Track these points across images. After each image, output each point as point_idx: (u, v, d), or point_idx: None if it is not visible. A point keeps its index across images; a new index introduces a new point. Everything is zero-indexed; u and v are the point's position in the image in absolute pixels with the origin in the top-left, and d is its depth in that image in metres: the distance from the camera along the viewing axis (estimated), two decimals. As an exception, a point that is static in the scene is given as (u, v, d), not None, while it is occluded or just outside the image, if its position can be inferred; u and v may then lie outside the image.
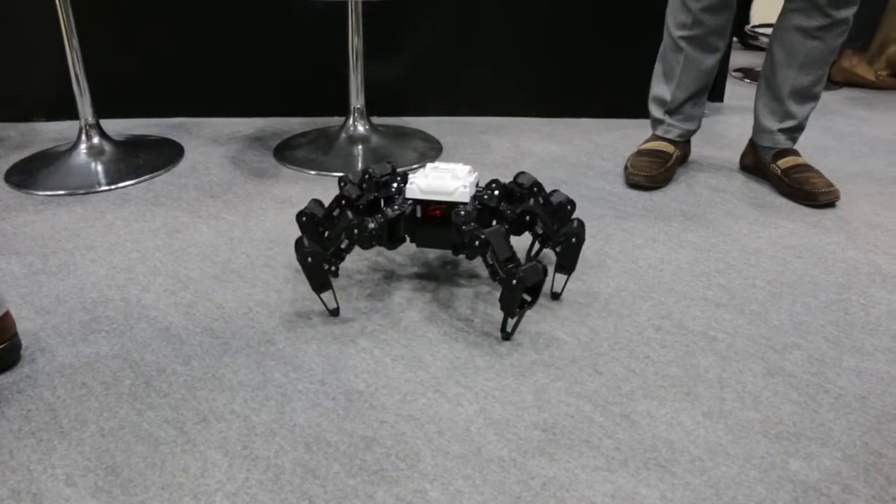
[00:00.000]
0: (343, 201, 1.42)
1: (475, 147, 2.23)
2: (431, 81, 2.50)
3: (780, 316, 1.35)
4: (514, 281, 1.20)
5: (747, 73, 3.19)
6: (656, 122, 2.03)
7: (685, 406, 1.11)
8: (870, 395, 1.14)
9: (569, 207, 1.45)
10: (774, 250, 1.59)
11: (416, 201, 1.41)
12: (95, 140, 2.09)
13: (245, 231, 1.67)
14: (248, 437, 1.04)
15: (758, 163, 1.96)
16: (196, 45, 2.43)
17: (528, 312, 1.34)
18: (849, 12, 1.72)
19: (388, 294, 1.41)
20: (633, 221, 1.72)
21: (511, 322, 1.28)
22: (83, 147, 2.07)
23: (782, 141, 1.90)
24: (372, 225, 1.33)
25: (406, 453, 1.02)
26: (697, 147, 2.21)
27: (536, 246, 1.55)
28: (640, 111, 2.42)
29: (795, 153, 1.90)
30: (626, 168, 1.97)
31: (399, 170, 1.53)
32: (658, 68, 1.99)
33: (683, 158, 2.06)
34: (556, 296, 1.40)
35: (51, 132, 2.37)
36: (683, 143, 2.03)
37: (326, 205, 1.48)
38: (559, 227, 1.41)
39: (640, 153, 1.98)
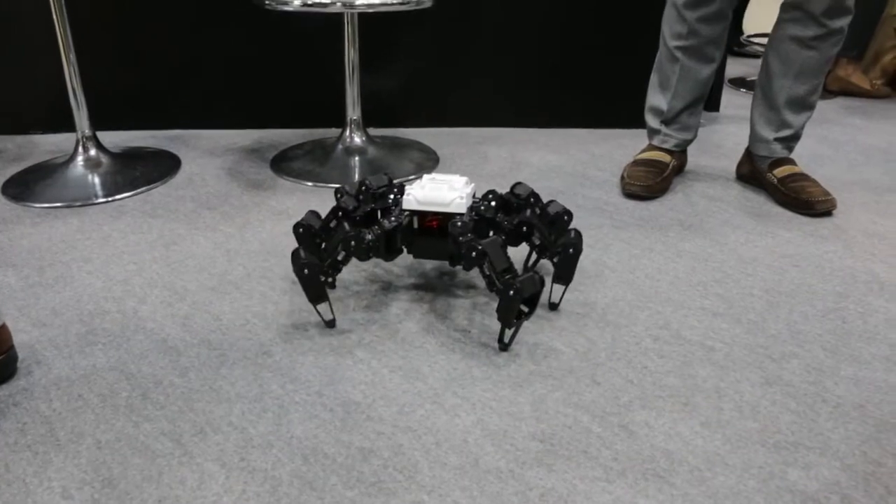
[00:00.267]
0: (340, 213, 1.42)
1: (472, 158, 2.23)
2: (428, 93, 2.50)
3: (778, 325, 1.35)
4: (511, 292, 1.19)
5: (741, 83, 3.20)
6: (653, 132, 2.03)
7: (683, 416, 1.11)
8: (868, 404, 1.13)
9: (566, 218, 1.45)
10: (771, 259, 1.59)
11: (413, 212, 1.41)
12: (92, 152, 2.09)
13: (242, 243, 1.66)
14: (246, 449, 1.04)
15: (754, 172, 1.97)
16: (193, 57, 2.43)
17: (525, 323, 1.34)
18: (843, 22, 1.72)
19: (386, 305, 1.41)
20: (629, 231, 1.73)
21: (508, 333, 1.27)
22: (80, 159, 2.07)
23: (778, 150, 1.91)
24: (369, 237, 1.33)
25: (404, 465, 1.01)
26: (694, 157, 2.22)
27: (534, 256, 1.55)
28: (636, 121, 2.43)
29: (792, 162, 1.91)
30: (622, 178, 1.97)
31: (396, 181, 1.53)
32: (654, 78, 1.99)
33: (680, 168, 2.06)
34: (553, 306, 1.40)
35: (48, 144, 2.37)
36: (680, 153, 2.04)
37: (323, 216, 1.48)
38: (556, 237, 1.41)
39: (636, 163, 1.98)
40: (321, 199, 1.92)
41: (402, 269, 1.55)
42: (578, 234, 1.37)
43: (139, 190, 1.97)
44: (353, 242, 1.32)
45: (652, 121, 2.02)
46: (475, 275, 1.53)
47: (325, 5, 1.83)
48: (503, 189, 1.97)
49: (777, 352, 1.27)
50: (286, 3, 1.84)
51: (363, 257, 1.34)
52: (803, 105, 1.85)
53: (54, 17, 1.95)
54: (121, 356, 1.25)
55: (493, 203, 1.44)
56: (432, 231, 1.41)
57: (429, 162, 2.19)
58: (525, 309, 1.25)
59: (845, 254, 1.62)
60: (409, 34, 2.43)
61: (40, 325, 1.35)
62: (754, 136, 1.94)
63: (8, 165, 2.17)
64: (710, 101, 2.72)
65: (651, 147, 2.03)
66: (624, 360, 1.24)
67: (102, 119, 2.43)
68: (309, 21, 2.39)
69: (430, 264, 1.57)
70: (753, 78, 3.23)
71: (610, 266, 1.56)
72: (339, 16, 2.28)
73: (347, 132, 2.23)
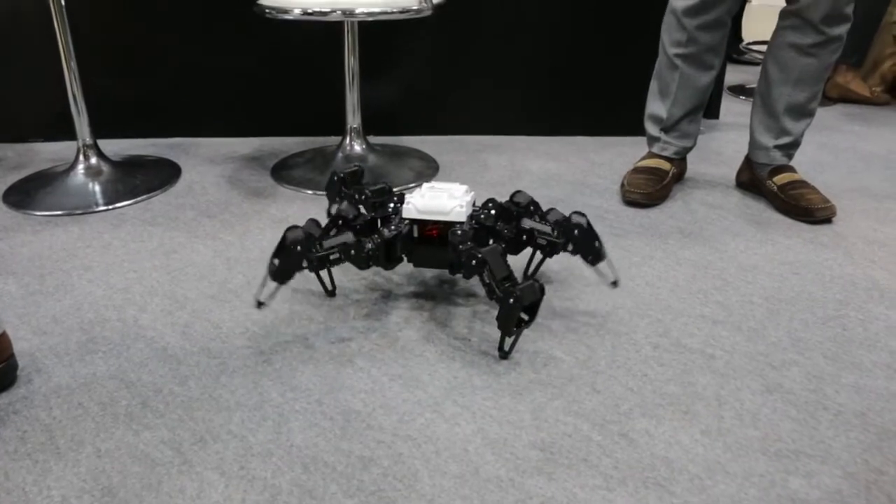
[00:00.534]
0: (340, 221, 1.42)
1: (472, 166, 2.24)
2: (428, 101, 2.51)
3: (778, 332, 1.35)
4: (511, 300, 1.19)
5: (740, 91, 3.21)
6: (652, 140, 2.04)
7: (683, 424, 1.11)
8: (869, 412, 1.13)
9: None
10: (771, 267, 1.59)
11: (413, 221, 1.41)
12: (93, 160, 2.09)
13: (242, 251, 1.67)
14: (245, 457, 1.04)
15: (754, 179, 1.97)
16: (193, 65, 2.44)
17: (525, 331, 1.34)
18: (842, 29, 1.73)
19: (386, 313, 1.41)
20: (629, 239, 1.73)
21: (508, 341, 1.27)
22: (81, 167, 2.07)
23: (778, 157, 1.91)
24: (369, 245, 1.33)
25: (404, 473, 1.01)
26: (693, 164, 2.22)
27: (534, 264, 1.55)
28: (636, 129, 2.44)
29: (791, 169, 1.91)
30: (622, 186, 1.97)
31: (395, 189, 1.53)
32: (654, 86, 1.99)
33: (680, 176, 2.06)
34: (615, 284, 1.49)
35: (48, 152, 2.37)
36: (679, 161, 2.04)
37: (323, 225, 1.48)
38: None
39: (636, 171, 1.98)
40: (321, 207, 1.92)
41: (403, 277, 1.55)
42: (580, 213, 1.38)
43: (139, 198, 1.97)
44: (352, 251, 1.32)
45: (651, 128, 2.03)
46: (475, 283, 1.53)
47: (325, 14, 1.83)
48: (503, 197, 1.97)
49: (777, 359, 1.26)
50: (287, 12, 1.85)
51: (363, 266, 1.34)
52: (803, 112, 1.86)
53: (55, 25, 1.96)
54: (121, 364, 1.25)
55: (492, 211, 1.45)
56: (432, 240, 1.41)
57: (428, 170, 2.19)
58: (525, 317, 1.25)
59: (845, 261, 1.62)
60: (408, 43, 2.43)
61: (41, 333, 1.35)
62: (754, 144, 1.94)
63: (9, 173, 2.17)
64: (710, 109, 2.72)
65: (651, 155, 2.04)
66: (624, 369, 1.24)
67: (103, 127, 2.43)
68: (309, 29, 2.40)
69: (430, 272, 1.57)
70: (752, 85, 3.24)
71: (610, 274, 1.56)
72: (339, 24, 2.28)
73: (347, 140, 2.23)
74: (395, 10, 1.84)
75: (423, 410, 1.13)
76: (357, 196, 1.52)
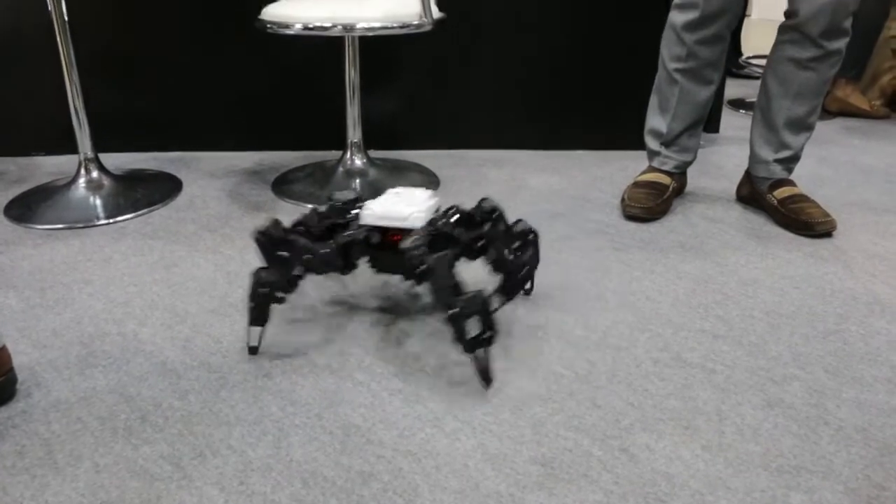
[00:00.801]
0: (300, 227, 1.41)
1: (473, 180, 2.24)
2: (428, 115, 2.51)
3: (779, 347, 1.34)
4: (453, 312, 1.16)
5: (740, 105, 3.22)
6: (652, 154, 2.04)
7: (684, 439, 1.10)
8: (871, 427, 1.13)
9: (531, 237, 1.43)
10: (772, 281, 1.59)
11: (372, 227, 1.40)
12: (94, 174, 2.10)
13: (242, 265, 1.67)
14: (245, 472, 1.04)
15: (754, 193, 1.97)
16: (194, 80, 2.45)
17: (522, 347, 1.33)
18: (841, 43, 1.73)
19: (386, 327, 1.41)
20: (630, 253, 1.73)
21: (481, 365, 1.24)
22: (82, 181, 2.08)
23: (778, 171, 1.91)
24: (324, 251, 1.32)
25: (404, 489, 1.01)
26: (694, 178, 2.22)
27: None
28: (636, 143, 2.44)
29: (791, 183, 1.91)
30: (622, 200, 1.97)
31: (364, 197, 1.52)
32: (653, 101, 2.00)
33: (680, 190, 2.07)
34: (528, 292, 1.46)
35: (50, 166, 2.38)
36: (680, 175, 2.04)
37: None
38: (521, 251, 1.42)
39: (636, 185, 1.98)
40: (322, 221, 1.92)
41: (402, 291, 1.55)
42: (535, 255, 1.35)
43: (140, 212, 1.98)
44: (307, 256, 1.32)
45: (652, 143, 2.03)
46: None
47: (325, 29, 1.84)
48: (506, 211, 1.97)
49: (778, 374, 1.26)
50: (288, 27, 1.86)
51: (320, 271, 1.33)
52: (802, 126, 1.86)
53: (58, 40, 1.97)
54: (120, 379, 1.25)
55: (453, 218, 1.42)
56: (393, 246, 1.39)
57: (429, 184, 2.19)
58: (486, 333, 1.19)
59: (846, 275, 1.62)
60: (409, 57, 2.44)
61: (40, 346, 1.35)
62: (754, 158, 1.95)
63: (10, 187, 2.18)
64: (710, 123, 2.73)
65: (651, 169, 2.04)
66: (624, 383, 1.24)
67: (104, 141, 2.44)
68: (310, 43, 2.41)
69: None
70: (752, 99, 3.25)
71: (610, 288, 1.56)
72: (340, 39, 2.29)
73: (348, 154, 2.24)
74: (395, 24, 1.85)
75: (424, 425, 1.13)
76: (328, 202, 1.49)
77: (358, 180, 2.18)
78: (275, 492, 1.00)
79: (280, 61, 2.43)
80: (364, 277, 1.61)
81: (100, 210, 1.97)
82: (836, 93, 3.02)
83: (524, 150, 2.54)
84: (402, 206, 1.37)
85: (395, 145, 2.55)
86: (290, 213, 1.97)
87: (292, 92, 2.48)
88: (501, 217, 1.44)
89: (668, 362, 1.30)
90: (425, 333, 1.38)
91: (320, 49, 2.42)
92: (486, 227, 1.39)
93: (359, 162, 2.23)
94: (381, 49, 2.43)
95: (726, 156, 2.48)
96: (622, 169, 2.34)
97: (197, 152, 2.53)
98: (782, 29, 1.79)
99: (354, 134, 2.21)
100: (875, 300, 1.51)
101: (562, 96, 2.49)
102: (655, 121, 2.00)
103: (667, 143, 2.00)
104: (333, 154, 2.44)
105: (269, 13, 1.91)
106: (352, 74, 2.14)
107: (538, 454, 1.07)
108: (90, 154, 2.09)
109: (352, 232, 1.37)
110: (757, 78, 3.78)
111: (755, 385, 1.23)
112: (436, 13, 1.94)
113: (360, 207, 1.47)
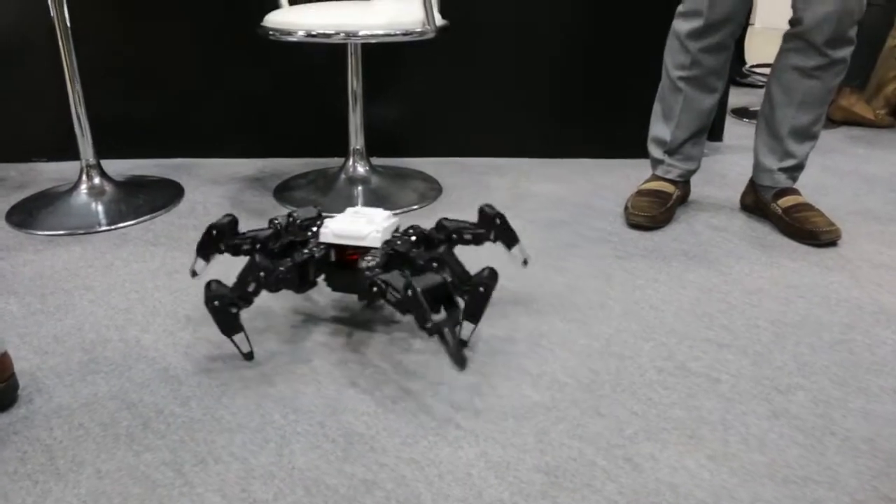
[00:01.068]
0: (257, 245, 1.39)
1: (475, 188, 2.24)
2: (431, 123, 2.51)
3: (784, 357, 1.34)
4: (409, 291, 1.13)
5: (744, 113, 3.21)
6: (656, 163, 2.04)
7: (689, 449, 1.10)
8: (878, 438, 1.12)
9: (498, 221, 1.42)
10: (777, 290, 1.58)
11: (330, 246, 1.39)
12: (96, 180, 2.09)
13: (245, 271, 1.66)
14: (247, 479, 1.03)
15: (758, 202, 1.97)
16: (197, 87, 2.45)
17: (526, 353, 1.33)
18: (846, 52, 1.73)
19: (388, 335, 1.40)
20: (634, 262, 1.72)
21: (454, 345, 1.17)
22: (84, 187, 2.08)
23: (782, 180, 1.91)
24: (281, 269, 1.31)
25: (406, 497, 1.00)
26: (697, 187, 2.22)
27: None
28: (639, 151, 2.44)
29: (796, 192, 1.90)
30: (626, 208, 1.97)
31: (325, 214, 1.51)
32: (657, 109, 2.00)
33: (684, 198, 2.06)
34: (463, 343, 1.35)
35: (52, 172, 2.38)
36: (683, 183, 2.04)
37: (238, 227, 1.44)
38: (501, 240, 1.42)
39: (640, 193, 1.98)
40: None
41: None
42: (493, 274, 1.31)
43: (142, 218, 1.97)
44: (262, 274, 1.31)
45: (655, 151, 2.03)
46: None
47: (328, 36, 1.84)
48: (509, 219, 1.96)
49: (784, 384, 1.25)
50: (290, 34, 1.86)
51: (273, 289, 1.32)
52: (806, 135, 1.86)
53: (60, 46, 1.97)
54: (122, 385, 1.24)
55: (411, 238, 1.42)
56: (350, 265, 1.38)
57: (432, 192, 2.19)
58: (445, 314, 1.16)
59: (851, 284, 1.61)
60: (412, 64, 2.44)
61: (42, 353, 1.34)
62: (758, 166, 1.94)
63: (12, 193, 2.18)
64: (713, 131, 2.72)
65: (654, 177, 2.04)
66: (628, 392, 1.23)
67: (106, 147, 2.43)
68: (313, 51, 2.41)
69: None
70: (756, 108, 3.25)
71: (614, 297, 1.55)
72: (343, 46, 2.29)
73: (350, 161, 2.23)
74: (398, 32, 1.85)
75: (426, 433, 1.12)
76: (288, 219, 1.48)
77: (360, 188, 2.18)
78: (277, 499, 0.99)
79: (282, 68, 2.43)
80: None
81: (101, 216, 1.96)
82: (841, 102, 3.02)
83: (527, 157, 2.54)
84: (360, 225, 1.37)
85: (398, 152, 2.54)
86: (292, 219, 1.97)
87: (295, 99, 2.48)
88: (461, 236, 1.43)
89: (672, 371, 1.29)
90: (428, 342, 1.38)
91: (323, 56, 2.42)
92: (442, 248, 1.38)
93: (361, 169, 2.23)
94: (384, 56, 2.43)
95: (730, 164, 2.47)
96: (625, 177, 2.34)
97: (199, 159, 2.53)
98: (787, 37, 1.79)
99: (357, 141, 2.21)
100: (881, 310, 1.50)
101: (565, 104, 2.49)
102: (659, 129, 2.00)
103: (670, 152, 1.99)
104: (336, 161, 2.44)
105: (272, 20, 1.91)
106: (354, 82, 2.14)
107: (542, 463, 1.06)
108: (92, 160, 2.09)
109: (308, 250, 1.37)
110: (760, 86, 3.78)
111: (760, 395, 1.22)
112: (439, 20, 1.93)
113: (318, 225, 1.46)
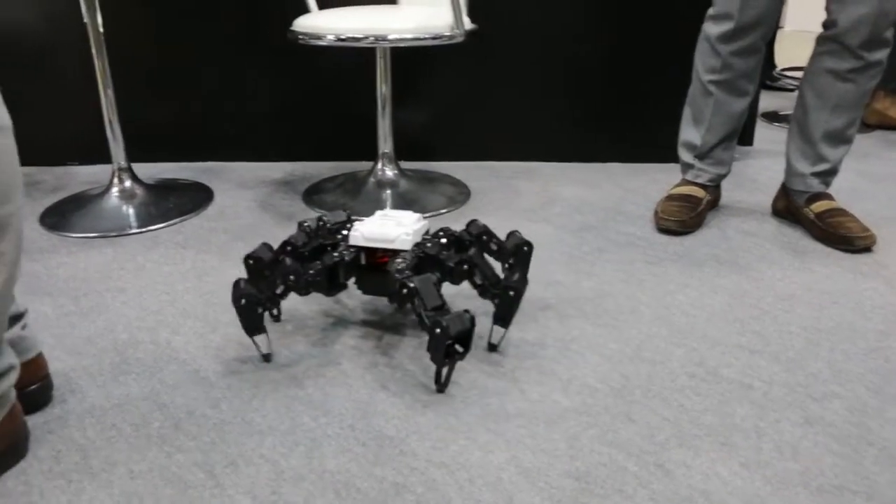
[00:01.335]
0: (288, 248, 1.41)
1: (504, 192, 2.23)
2: (460, 126, 2.51)
3: (818, 363, 1.32)
4: (438, 330, 1.16)
5: (774, 117, 3.18)
6: (686, 167, 2.02)
7: (721, 456, 1.08)
8: (914, 447, 1.10)
9: (525, 249, 1.41)
10: (810, 296, 1.56)
11: (360, 248, 1.40)
12: (127, 184, 2.12)
13: (274, 274, 1.67)
14: (277, 481, 1.03)
15: (790, 207, 1.94)
16: (226, 91, 2.46)
17: (559, 358, 1.32)
18: (882, 54, 1.71)
19: (418, 339, 1.40)
20: (663, 266, 1.71)
21: (444, 373, 1.24)
22: (115, 190, 2.10)
23: (815, 185, 1.88)
24: (310, 272, 1.32)
25: (437, 500, 1.00)
26: (728, 191, 2.20)
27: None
28: (669, 155, 2.42)
29: (829, 197, 1.88)
30: (656, 213, 1.95)
31: (354, 218, 1.52)
32: (687, 112, 1.98)
33: (714, 203, 2.04)
34: (493, 347, 1.36)
35: (84, 175, 2.41)
36: (714, 188, 2.02)
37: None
38: (512, 271, 1.40)
39: (670, 198, 1.96)
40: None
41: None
42: (523, 278, 1.31)
43: (172, 221, 1.99)
44: (292, 277, 1.32)
45: (685, 155, 2.01)
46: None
47: (357, 40, 1.85)
48: (535, 223, 1.96)
49: (818, 391, 1.24)
50: (320, 38, 1.87)
51: (302, 292, 1.33)
52: (840, 139, 1.83)
53: (93, 52, 1.99)
54: (154, 386, 1.25)
55: (442, 240, 1.42)
56: (380, 267, 1.39)
57: (460, 195, 2.19)
58: (459, 349, 1.21)
59: (887, 291, 1.58)
60: (441, 68, 2.45)
61: (75, 353, 1.36)
62: (790, 171, 1.92)
63: (46, 196, 2.21)
64: (744, 135, 2.70)
65: (684, 182, 2.02)
66: (660, 398, 1.22)
67: (137, 151, 2.46)
68: (342, 55, 2.42)
69: (460, 299, 1.56)
70: (786, 112, 3.21)
71: (644, 302, 1.54)
72: (372, 50, 2.30)
73: (379, 165, 2.24)
74: (427, 36, 1.85)
75: (457, 437, 1.12)
76: (317, 223, 1.50)
77: (389, 191, 2.18)
78: (307, 502, 0.99)
79: (312, 72, 2.45)
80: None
81: (132, 219, 1.98)
82: (875, 105, 2.98)
83: (555, 161, 2.53)
84: (390, 228, 1.37)
85: (426, 156, 2.55)
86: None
87: (324, 103, 2.49)
88: (493, 237, 1.44)
89: (704, 377, 1.27)
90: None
91: (352, 60, 2.43)
92: (472, 250, 1.39)
93: (390, 173, 2.23)
94: (413, 60, 2.44)
95: (761, 169, 2.44)
96: (654, 182, 2.32)
97: (228, 162, 2.55)
98: (820, 40, 1.77)
99: (385, 145, 2.21)
100: (917, 316, 1.48)
101: (593, 108, 2.48)
102: (689, 133, 1.98)
103: (701, 156, 1.97)
104: (364, 165, 2.45)
105: (301, 24, 1.92)
106: (383, 86, 2.15)
107: (572, 468, 1.06)
108: (123, 164, 2.11)
109: (338, 253, 1.37)
110: (791, 90, 3.74)
111: (794, 402, 1.21)
112: (467, 24, 1.94)
113: (348, 228, 1.47)
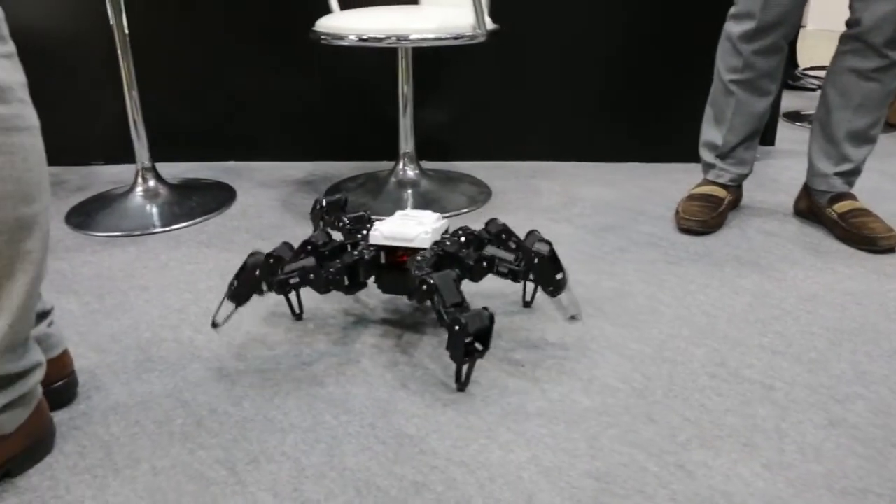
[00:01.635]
0: (309, 247, 1.42)
1: (524, 191, 2.23)
2: (481, 126, 2.52)
3: (841, 365, 1.31)
4: (457, 327, 1.16)
5: (796, 117, 3.16)
6: (708, 167, 2.01)
7: (743, 457, 1.08)
8: (939, 449, 1.09)
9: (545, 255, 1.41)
10: (832, 297, 1.55)
11: (380, 247, 1.40)
12: (151, 183, 2.14)
13: (296, 273, 1.68)
14: (298, 479, 1.04)
15: (812, 207, 1.93)
16: (248, 91, 2.48)
17: (579, 358, 1.32)
18: (906, 54, 1.69)
19: (439, 337, 1.41)
20: (685, 266, 1.70)
21: (464, 372, 1.25)
22: (139, 190, 2.12)
23: (838, 185, 1.87)
24: (331, 270, 1.32)
25: (457, 500, 1.00)
26: (749, 191, 2.19)
27: (529, 290, 1.53)
28: (690, 155, 2.41)
29: (852, 197, 1.86)
30: (677, 213, 1.95)
31: (374, 218, 1.54)
32: (709, 112, 1.97)
33: (735, 203, 2.03)
34: (527, 304, 1.43)
35: (109, 175, 2.43)
36: (735, 188, 2.01)
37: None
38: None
39: (691, 198, 1.96)
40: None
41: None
42: (544, 241, 1.33)
43: (195, 220, 2.01)
44: (311, 275, 1.32)
45: (707, 155, 2.00)
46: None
47: (379, 40, 1.85)
48: (557, 223, 1.96)
49: (841, 392, 1.23)
50: (342, 38, 1.88)
51: (322, 291, 1.33)
52: (864, 138, 1.82)
53: (119, 53, 2.02)
54: (177, 384, 1.27)
55: (462, 239, 1.42)
56: (400, 266, 1.40)
57: (481, 195, 2.19)
58: (479, 347, 1.21)
59: (910, 292, 1.57)
60: (462, 68, 2.45)
61: (100, 351, 1.37)
62: (813, 171, 1.90)
63: (71, 195, 2.23)
64: (765, 135, 2.68)
65: (706, 182, 2.01)
66: (681, 398, 1.21)
67: (161, 151, 2.49)
68: (363, 55, 2.43)
69: (481, 297, 1.56)
70: (808, 112, 3.19)
71: (665, 302, 1.54)
72: (394, 50, 2.31)
73: (400, 165, 2.25)
74: (449, 35, 1.86)
75: (477, 436, 1.12)
76: (336, 223, 1.52)
77: (410, 191, 2.19)
78: (328, 499, 1.00)
79: (333, 72, 2.46)
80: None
81: (156, 218, 2.01)
82: (898, 105, 2.95)
83: (576, 161, 2.53)
84: (410, 227, 1.38)
85: (447, 156, 2.55)
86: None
87: (346, 103, 2.50)
88: (512, 235, 1.44)
89: (725, 378, 1.27)
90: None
91: (374, 60, 2.44)
92: (489, 247, 1.39)
93: (411, 173, 2.24)
94: (434, 60, 2.44)
95: (783, 169, 2.43)
96: (675, 181, 2.31)
97: (250, 162, 2.56)
98: (844, 39, 1.75)
99: (407, 145, 2.22)
100: (942, 318, 1.46)
101: (614, 108, 2.47)
102: (711, 133, 1.97)
103: (722, 156, 1.97)
104: (386, 165, 2.46)
105: (324, 24, 1.93)
106: (405, 86, 2.15)
107: (593, 468, 1.06)
108: (147, 164, 2.13)
109: (358, 252, 1.38)
110: (813, 90, 3.71)
111: (817, 403, 1.20)
112: (489, 24, 1.94)
113: (369, 227, 1.48)
